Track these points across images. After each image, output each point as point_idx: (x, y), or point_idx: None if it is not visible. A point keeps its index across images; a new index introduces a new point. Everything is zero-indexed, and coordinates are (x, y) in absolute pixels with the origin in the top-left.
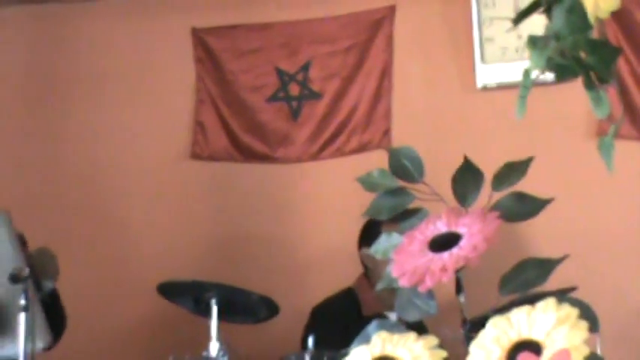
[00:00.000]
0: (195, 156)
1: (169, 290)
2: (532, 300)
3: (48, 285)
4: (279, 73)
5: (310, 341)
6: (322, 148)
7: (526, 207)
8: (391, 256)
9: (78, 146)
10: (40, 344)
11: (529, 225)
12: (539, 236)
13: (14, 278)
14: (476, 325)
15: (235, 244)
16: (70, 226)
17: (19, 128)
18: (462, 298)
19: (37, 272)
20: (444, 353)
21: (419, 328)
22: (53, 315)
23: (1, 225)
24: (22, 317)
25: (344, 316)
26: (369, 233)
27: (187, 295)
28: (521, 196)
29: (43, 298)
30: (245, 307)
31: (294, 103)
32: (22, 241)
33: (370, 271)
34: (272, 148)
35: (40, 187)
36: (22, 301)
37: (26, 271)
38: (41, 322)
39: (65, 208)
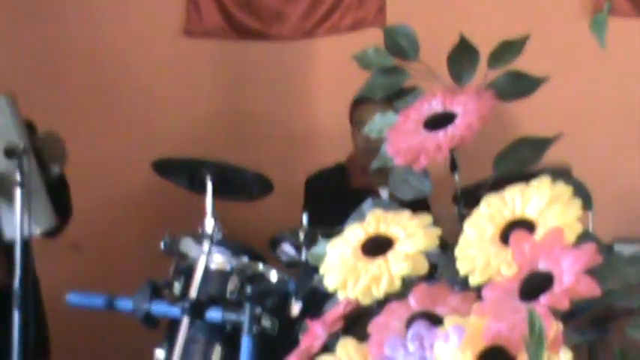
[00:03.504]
0: (188, 33)
1: (164, 167)
2: (526, 178)
3: (55, 170)
4: None
5: (304, 218)
6: (316, 25)
7: (521, 85)
8: (385, 134)
9: (75, 25)
10: (43, 226)
11: (524, 104)
12: (533, 115)
13: (9, 152)
14: (468, 197)
15: (230, 122)
16: (70, 104)
17: (15, 9)
18: (456, 177)
19: (44, 156)
20: (438, 231)
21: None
22: (60, 202)
23: (6, 107)
24: (17, 192)
25: (334, 187)
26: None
27: (182, 172)
28: (516, 75)
29: (51, 183)
30: (239, 185)
31: None
32: (30, 127)
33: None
34: (266, 25)
35: (39, 66)
36: (18, 177)
37: (21, 145)
38: (45, 205)
39: (65, 86)
